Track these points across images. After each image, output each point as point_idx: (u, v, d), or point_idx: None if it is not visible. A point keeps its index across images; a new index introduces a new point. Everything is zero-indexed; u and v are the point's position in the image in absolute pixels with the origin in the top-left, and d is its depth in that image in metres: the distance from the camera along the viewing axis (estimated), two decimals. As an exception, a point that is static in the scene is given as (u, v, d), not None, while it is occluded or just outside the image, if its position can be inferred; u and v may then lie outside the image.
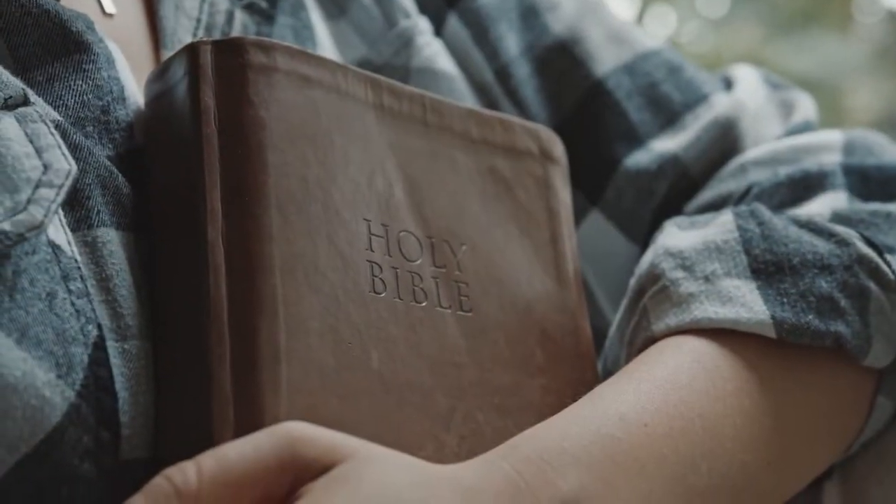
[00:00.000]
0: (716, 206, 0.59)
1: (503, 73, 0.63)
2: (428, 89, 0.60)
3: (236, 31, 0.56)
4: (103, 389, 0.43)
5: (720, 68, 0.68)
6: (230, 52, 0.48)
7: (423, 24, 0.62)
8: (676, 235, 0.55)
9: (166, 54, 0.54)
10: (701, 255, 0.53)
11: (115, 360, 0.44)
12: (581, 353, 0.54)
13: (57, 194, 0.43)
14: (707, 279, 0.52)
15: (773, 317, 0.50)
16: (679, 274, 0.52)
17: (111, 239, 0.46)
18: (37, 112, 0.45)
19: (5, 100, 0.45)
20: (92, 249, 0.45)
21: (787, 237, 0.53)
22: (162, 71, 0.50)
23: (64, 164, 0.44)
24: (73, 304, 0.43)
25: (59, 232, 0.44)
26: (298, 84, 0.49)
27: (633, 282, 0.55)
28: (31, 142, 0.44)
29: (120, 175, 0.47)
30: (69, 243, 0.44)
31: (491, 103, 0.63)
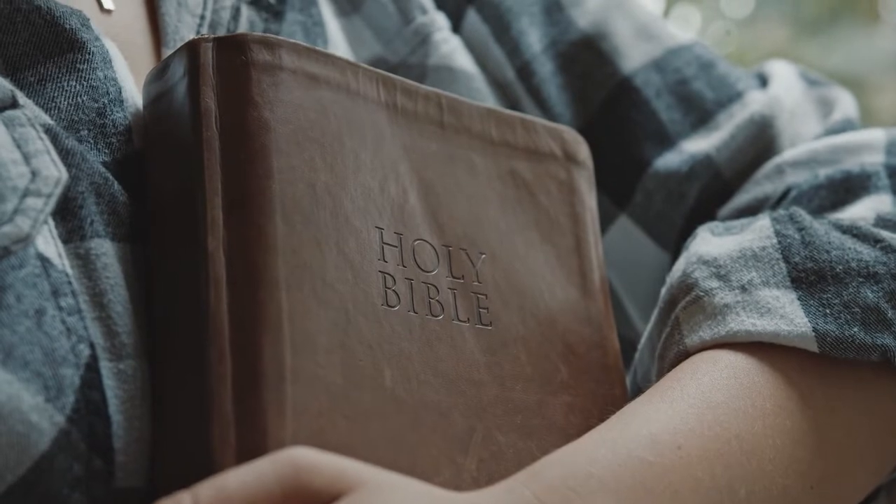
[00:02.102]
0: (752, 209, 0.56)
1: (525, 71, 0.59)
2: (446, 88, 0.57)
3: (242, 29, 0.54)
4: (95, 413, 0.40)
5: (747, 67, 0.65)
6: (232, 49, 0.45)
7: (440, 20, 0.59)
8: (710, 242, 0.52)
9: (167, 53, 0.51)
10: (737, 263, 0.50)
11: (109, 382, 0.41)
12: (608, 367, 0.51)
13: (45, 204, 0.41)
14: (743, 289, 0.49)
15: (815, 329, 0.47)
16: (713, 283, 0.49)
17: (106, 251, 0.43)
18: (25, 115, 0.42)
19: (-9, 102, 0.42)
20: (85, 262, 0.42)
21: (829, 243, 0.50)
22: (161, 70, 0.47)
23: (53, 172, 0.41)
24: (63, 321, 0.40)
25: (48, 244, 0.41)
26: (305, 83, 0.46)
27: (664, 291, 0.52)
28: (19, 147, 0.41)
29: (116, 182, 0.44)
30: (60, 256, 0.42)
31: (512, 102, 0.60)
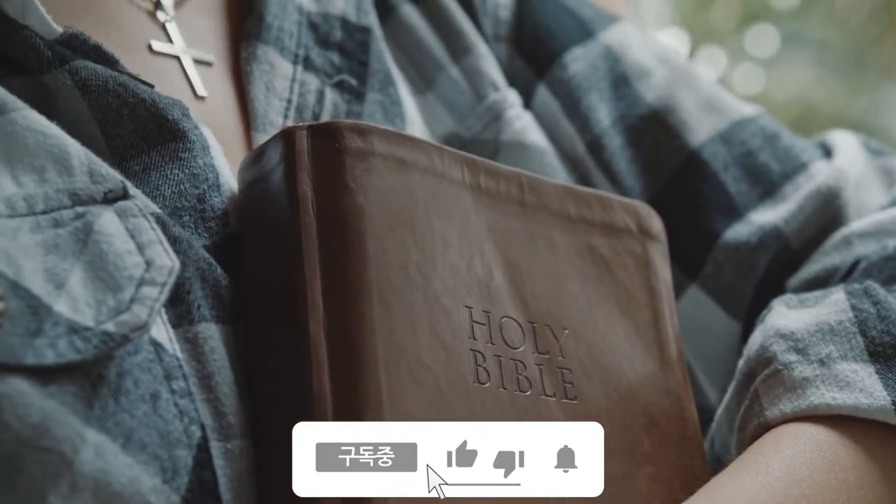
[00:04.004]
0: (821, 280, 0.57)
1: (595, 146, 0.61)
2: (518, 163, 0.58)
3: (327, 111, 0.56)
4: (207, 493, 0.42)
5: (771, 109, 0.66)
6: (326, 136, 0.47)
7: (512, 97, 0.61)
8: (787, 315, 0.53)
9: (258, 137, 0.53)
10: (814, 337, 0.51)
11: (219, 462, 0.43)
12: (688, 438, 0.52)
13: (160, 293, 0.42)
14: (822, 363, 0.50)
15: (894, 402, 0.48)
16: (792, 357, 0.51)
17: (212, 334, 0.45)
18: (137, 206, 0.44)
19: (105, 193, 0.44)
20: (193, 346, 0.44)
21: (903, 317, 0.51)
22: (257, 156, 0.49)
23: (166, 261, 0.43)
24: (176, 404, 0.42)
25: (160, 329, 0.43)
26: (395, 168, 0.48)
27: (741, 364, 0.53)
28: (133, 237, 0.43)
29: (218, 266, 0.46)
30: (171, 340, 0.43)
31: (583, 176, 0.61)
